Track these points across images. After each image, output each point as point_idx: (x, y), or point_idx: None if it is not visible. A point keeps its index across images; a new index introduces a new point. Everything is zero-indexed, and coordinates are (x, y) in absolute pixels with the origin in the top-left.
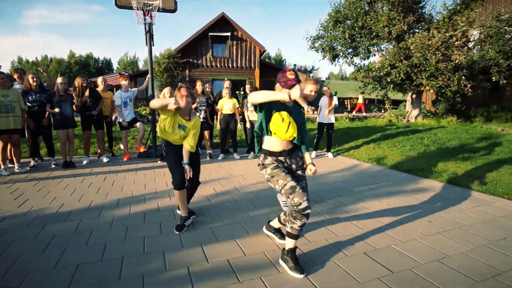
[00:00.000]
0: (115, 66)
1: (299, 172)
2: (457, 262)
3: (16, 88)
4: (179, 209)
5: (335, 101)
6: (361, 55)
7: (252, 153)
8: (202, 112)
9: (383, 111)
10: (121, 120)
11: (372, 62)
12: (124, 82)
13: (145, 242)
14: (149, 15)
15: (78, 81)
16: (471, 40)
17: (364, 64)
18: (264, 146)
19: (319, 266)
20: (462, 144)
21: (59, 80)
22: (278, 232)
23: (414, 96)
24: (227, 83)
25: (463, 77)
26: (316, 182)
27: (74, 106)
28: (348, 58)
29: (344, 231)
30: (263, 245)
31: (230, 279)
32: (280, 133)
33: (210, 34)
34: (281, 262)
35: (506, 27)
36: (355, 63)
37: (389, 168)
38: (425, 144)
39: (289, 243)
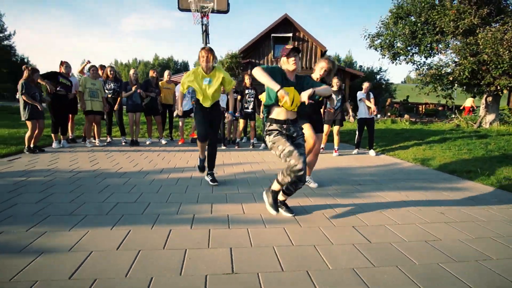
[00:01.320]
0: (191, 67)
1: (300, 140)
2: (445, 245)
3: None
4: (206, 176)
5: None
6: (423, 52)
7: None
8: (251, 103)
9: (453, 117)
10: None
11: (436, 61)
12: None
13: (170, 196)
14: (206, 16)
15: (152, 74)
16: None
17: (424, 62)
18: (271, 116)
19: (303, 227)
20: None
21: (131, 72)
22: (284, 205)
23: (490, 99)
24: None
25: None
26: (343, 172)
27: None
28: (407, 56)
29: (343, 209)
30: (263, 208)
31: (221, 225)
32: (286, 105)
33: (272, 35)
34: (264, 194)
35: None
36: (415, 61)
37: (433, 169)
38: (488, 149)
39: (274, 185)
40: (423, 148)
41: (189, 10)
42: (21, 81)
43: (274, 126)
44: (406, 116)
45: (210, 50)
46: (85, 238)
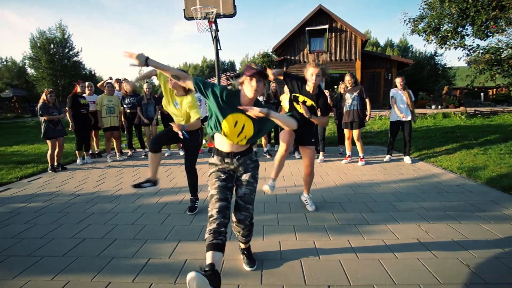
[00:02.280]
0: (237, 67)
1: (246, 176)
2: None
3: (117, 95)
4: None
5: (412, 96)
6: (476, 33)
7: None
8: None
9: None
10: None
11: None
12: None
13: (145, 231)
14: (210, 22)
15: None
16: None
17: (479, 45)
18: (215, 143)
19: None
20: None
21: (145, 86)
22: (244, 254)
23: None
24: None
25: None
26: (358, 191)
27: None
28: (457, 39)
29: (327, 258)
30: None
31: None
32: (232, 136)
33: (307, 29)
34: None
35: None
36: (466, 45)
37: (480, 183)
38: None
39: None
40: (474, 152)
41: (196, 18)
42: (39, 104)
43: (215, 159)
44: (461, 108)
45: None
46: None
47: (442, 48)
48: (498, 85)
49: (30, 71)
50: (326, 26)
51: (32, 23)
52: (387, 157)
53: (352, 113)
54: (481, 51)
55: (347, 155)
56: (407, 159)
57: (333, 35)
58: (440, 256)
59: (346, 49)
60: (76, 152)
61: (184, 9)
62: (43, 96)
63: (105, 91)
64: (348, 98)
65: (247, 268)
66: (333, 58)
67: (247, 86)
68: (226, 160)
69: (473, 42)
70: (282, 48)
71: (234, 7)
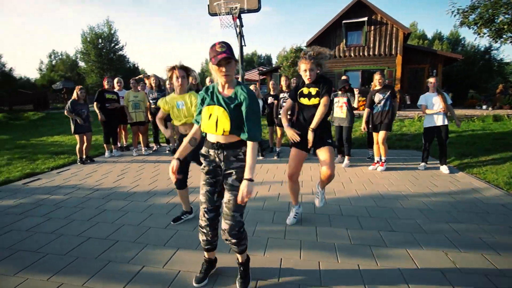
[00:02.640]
0: (274, 61)
1: (230, 179)
2: None
3: (143, 91)
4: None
5: (448, 100)
6: None
7: (340, 156)
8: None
9: None
10: None
11: None
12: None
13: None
14: (235, 18)
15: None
16: None
17: None
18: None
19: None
20: None
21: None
22: (239, 270)
23: None
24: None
25: None
26: (380, 204)
27: None
28: None
29: (342, 266)
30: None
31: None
32: (210, 131)
33: (343, 22)
34: None
35: None
36: None
37: None
38: None
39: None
40: None
41: (220, 14)
42: (68, 101)
43: (203, 150)
44: None
45: (182, 68)
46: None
47: (496, 42)
48: None
49: (81, 64)
50: (365, 19)
51: (84, 19)
52: (422, 164)
53: (382, 115)
54: None
55: (375, 161)
56: (444, 169)
57: (372, 28)
58: None
59: (386, 43)
60: (105, 145)
61: (208, 5)
62: (74, 93)
63: (133, 88)
64: (380, 99)
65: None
66: (371, 53)
67: (219, 72)
68: (210, 152)
69: None
70: (317, 42)
71: (259, 1)
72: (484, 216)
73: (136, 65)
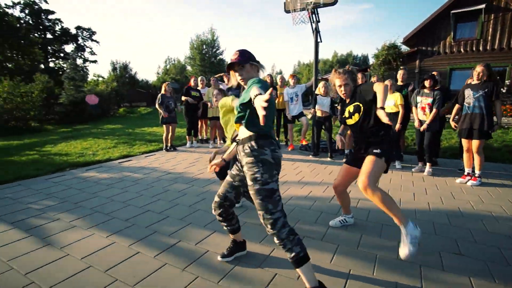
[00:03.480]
0: (371, 61)
1: (246, 178)
2: None
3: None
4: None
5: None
6: None
7: (421, 164)
8: None
9: None
10: (290, 114)
11: None
12: (290, 79)
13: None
14: (309, 13)
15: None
16: None
17: None
18: None
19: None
20: None
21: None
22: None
23: None
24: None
25: None
26: (457, 223)
27: None
28: None
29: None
30: None
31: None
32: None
33: (452, 12)
34: None
35: None
36: None
37: None
38: None
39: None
40: None
41: (295, 10)
42: (159, 95)
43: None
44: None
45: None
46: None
47: None
48: None
49: (188, 68)
50: (483, 6)
51: (190, 26)
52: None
53: (472, 118)
54: None
55: (465, 173)
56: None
57: (492, 17)
58: None
59: (510, 35)
60: (187, 136)
61: (284, 2)
62: (163, 88)
63: (213, 85)
64: (470, 97)
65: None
66: (488, 47)
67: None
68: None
69: None
70: (416, 37)
71: None
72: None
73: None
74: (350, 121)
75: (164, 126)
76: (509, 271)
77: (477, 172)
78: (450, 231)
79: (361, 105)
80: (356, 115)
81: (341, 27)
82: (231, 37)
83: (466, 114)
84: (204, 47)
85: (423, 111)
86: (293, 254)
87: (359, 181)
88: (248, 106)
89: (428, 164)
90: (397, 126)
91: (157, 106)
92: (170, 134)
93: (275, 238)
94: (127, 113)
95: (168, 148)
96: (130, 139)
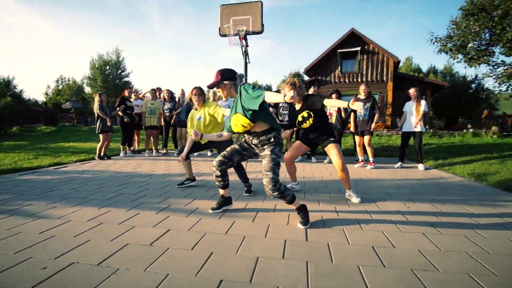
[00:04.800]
0: (274, 89)
1: (264, 151)
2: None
3: (159, 100)
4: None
5: (423, 107)
6: (503, 51)
7: (328, 158)
8: (286, 116)
9: None
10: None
11: None
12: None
13: (248, 204)
14: (241, 38)
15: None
16: None
17: (503, 61)
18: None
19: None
20: None
21: (179, 92)
22: (300, 213)
23: None
24: (311, 90)
25: None
26: (361, 184)
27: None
28: (484, 57)
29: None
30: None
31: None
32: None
33: (339, 51)
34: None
35: None
36: (491, 61)
37: (485, 184)
38: None
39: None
40: (491, 162)
41: (229, 35)
42: (97, 103)
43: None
44: (493, 128)
45: (196, 89)
46: (166, 220)
47: (470, 66)
48: None
49: (87, 89)
50: (358, 48)
51: (92, 47)
52: (398, 164)
53: (364, 122)
54: (503, 67)
55: (360, 160)
56: (420, 167)
57: (365, 57)
58: (407, 230)
59: (378, 70)
60: (121, 146)
61: (219, 27)
62: (97, 98)
63: (150, 96)
64: (361, 108)
65: (300, 226)
66: (364, 79)
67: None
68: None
69: (497, 58)
70: (314, 69)
71: (262, 25)
72: (441, 189)
73: (140, 92)
74: (305, 125)
75: (102, 135)
76: (392, 197)
77: (371, 159)
78: (358, 186)
79: (311, 113)
80: (310, 120)
81: (251, 60)
82: (140, 61)
83: (359, 120)
84: (108, 67)
85: (330, 116)
86: (288, 197)
87: (336, 162)
88: (260, 109)
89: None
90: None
91: (100, 113)
92: (106, 143)
93: (275, 193)
94: (23, 131)
95: (102, 156)
96: (50, 152)
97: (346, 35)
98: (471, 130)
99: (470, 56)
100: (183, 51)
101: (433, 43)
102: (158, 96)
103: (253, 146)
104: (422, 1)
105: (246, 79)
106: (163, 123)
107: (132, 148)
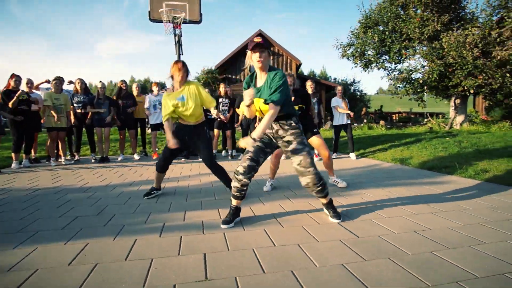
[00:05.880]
0: (168, 86)
1: (293, 144)
2: (435, 234)
3: (65, 93)
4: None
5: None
6: (393, 58)
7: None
8: (226, 112)
9: (426, 122)
10: (150, 122)
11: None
12: (154, 88)
13: (139, 207)
14: (178, 26)
15: (119, 85)
16: None
17: (395, 67)
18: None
19: (285, 229)
20: (507, 146)
21: (99, 85)
22: (330, 208)
23: (458, 101)
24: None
25: (508, 74)
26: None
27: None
28: (379, 63)
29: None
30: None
31: (195, 232)
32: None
33: (247, 50)
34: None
35: None
36: (386, 67)
37: (412, 167)
38: (462, 146)
39: (231, 200)
40: (400, 149)
41: (161, 21)
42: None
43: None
44: (381, 121)
45: (182, 62)
46: (32, 255)
47: (366, 70)
48: (399, 111)
49: None
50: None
51: None
52: (333, 155)
53: (314, 115)
54: (396, 73)
55: (315, 153)
56: (352, 156)
57: (272, 58)
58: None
59: (282, 71)
60: (13, 154)
61: (149, 11)
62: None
63: (52, 88)
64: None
65: (334, 220)
66: None
67: (251, 59)
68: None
69: (391, 65)
70: (224, 67)
71: (200, 15)
72: (389, 174)
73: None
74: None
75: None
76: (354, 187)
77: (316, 152)
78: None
79: (303, 106)
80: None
81: (137, 53)
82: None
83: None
84: None
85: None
86: (327, 190)
87: (322, 153)
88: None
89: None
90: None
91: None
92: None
93: (320, 188)
94: None
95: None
96: None
97: (253, 36)
98: (355, 124)
99: (365, 61)
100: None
101: (338, 48)
102: (75, 89)
103: (273, 137)
104: (300, 13)
105: None
106: (73, 121)
107: (29, 156)
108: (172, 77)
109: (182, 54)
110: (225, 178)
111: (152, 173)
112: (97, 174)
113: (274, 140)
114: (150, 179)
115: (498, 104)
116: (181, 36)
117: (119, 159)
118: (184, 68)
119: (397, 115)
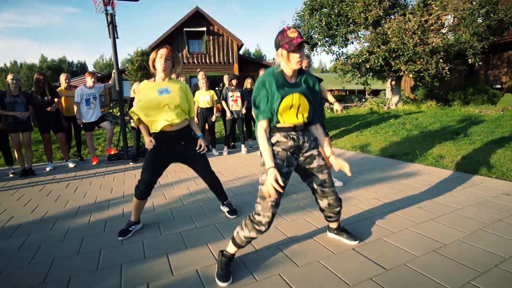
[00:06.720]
0: (90, 69)
1: (318, 160)
2: (452, 251)
3: None
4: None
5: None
6: (339, 43)
7: (226, 148)
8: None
9: (364, 101)
10: (81, 120)
11: (352, 51)
12: (89, 79)
13: (101, 256)
14: (110, 3)
15: (35, 76)
16: (445, 25)
17: (342, 52)
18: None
19: (302, 268)
20: (443, 127)
21: (9, 77)
22: (343, 230)
23: (393, 83)
24: (201, 74)
25: (441, 60)
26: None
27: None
28: (326, 47)
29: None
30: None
31: None
32: (291, 120)
33: (185, 29)
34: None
35: (478, 9)
36: (333, 51)
37: (375, 155)
38: (407, 129)
39: (230, 247)
40: (355, 134)
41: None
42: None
43: (278, 137)
44: (326, 104)
45: (170, 48)
46: None
47: (312, 53)
48: (332, 89)
49: None
50: (204, 29)
51: None
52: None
53: None
54: (344, 57)
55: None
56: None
57: (211, 38)
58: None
59: (224, 52)
60: None
61: None
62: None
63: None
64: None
65: (352, 243)
66: (212, 61)
67: (290, 61)
68: (292, 135)
69: (338, 49)
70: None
71: None
72: (361, 166)
73: None
74: None
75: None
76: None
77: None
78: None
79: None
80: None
81: (49, 28)
82: None
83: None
84: None
85: (235, 103)
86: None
87: None
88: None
89: (242, 145)
90: (213, 117)
91: None
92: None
93: (339, 207)
94: None
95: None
96: None
97: (191, 13)
98: None
99: (312, 44)
100: None
101: None
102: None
103: (295, 156)
104: None
105: (117, 60)
106: None
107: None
108: (153, 65)
109: (118, 38)
110: (221, 192)
111: (98, 190)
112: (22, 198)
113: (294, 159)
114: (99, 201)
115: (425, 84)
116: (114, 15)
117: (48, 169)
118: (172, 54)
119: (331, 92)
